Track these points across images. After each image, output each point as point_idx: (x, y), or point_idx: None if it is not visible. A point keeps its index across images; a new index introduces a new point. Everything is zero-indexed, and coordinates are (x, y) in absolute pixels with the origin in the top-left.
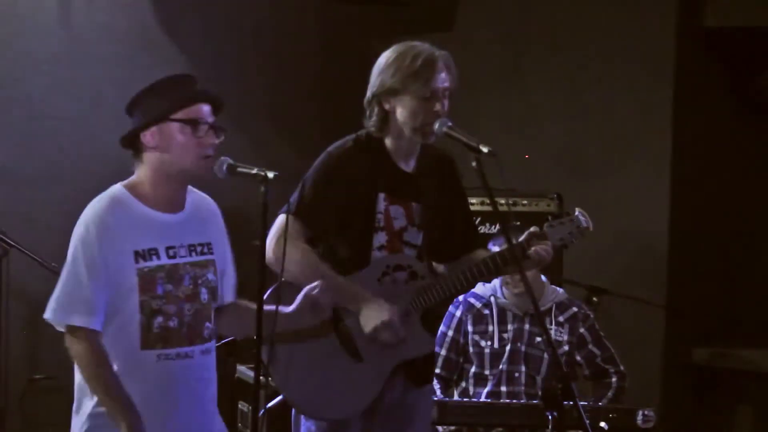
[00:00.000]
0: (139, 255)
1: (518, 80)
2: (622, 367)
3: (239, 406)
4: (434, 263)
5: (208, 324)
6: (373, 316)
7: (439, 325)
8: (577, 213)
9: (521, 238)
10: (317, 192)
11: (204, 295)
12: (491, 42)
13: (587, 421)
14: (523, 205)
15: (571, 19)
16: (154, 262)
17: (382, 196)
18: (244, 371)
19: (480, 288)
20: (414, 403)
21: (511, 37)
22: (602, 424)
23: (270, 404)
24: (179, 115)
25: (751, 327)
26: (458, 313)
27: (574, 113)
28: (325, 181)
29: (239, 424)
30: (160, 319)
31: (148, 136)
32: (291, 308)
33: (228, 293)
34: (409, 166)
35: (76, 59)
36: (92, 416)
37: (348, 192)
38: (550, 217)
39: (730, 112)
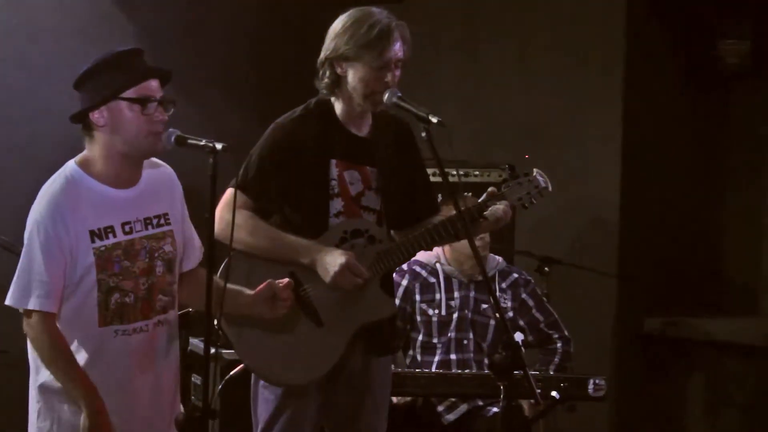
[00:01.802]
0: (95, 234)
1: (470, 50)
2: (566, 332)
3: (192, 378)
4: (392, 231)
5: (161, 296)
6: (330, 263)
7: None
8: (535, 173)
9: (480, 199)
10: (262, 164)
11: (159, 267)
12: (443, 12)
13: (537, 390)
14: (475, 175)
15: None
16: (111, 240)
17: (333, 162)
18: (197, 344)
19: (423, 255)
20: (375, 372)
21: (463, 6)
22: (553, 393)
23: (229, 374)
24: (128, 93)
25: (702, 296)
26: (405, 282)
27: (526, 83)
28: (270, 152)
29: (192, 397)
30: (116, 295)
31: (96, 115)
32: (250, 293)
33: (191, 260)
34: (361, 130)
35: (26, 31)
36: (47, 389)
37: (297, 161)
38: (508, 178)
39: (681, 82)
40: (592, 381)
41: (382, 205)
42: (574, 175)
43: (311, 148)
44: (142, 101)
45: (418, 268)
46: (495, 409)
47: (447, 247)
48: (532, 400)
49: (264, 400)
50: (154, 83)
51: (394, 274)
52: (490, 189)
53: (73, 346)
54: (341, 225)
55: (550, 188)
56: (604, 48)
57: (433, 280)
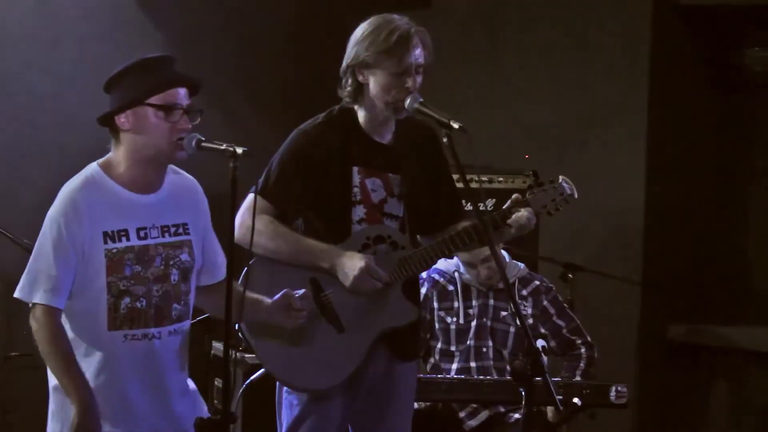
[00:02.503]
0: (108, 236)
1: (495, 57)
2: (588, 337)
3: (215, 382)
4: (419, 237)
5: (176, 305)
6: (349, 267)
7: (420, 296)
8: (561, 180)
9: (505, 206)
10: (283, 171)
11: (174, 276)
12: (469, 18)
13: (558, 397)
14: (499, 182)
15: None
16: (123, 244)
17: (356, 169)
18: (220, 348)
19: (443, 264)
20: (399, 378)
21: (489, 13)
22: (575, 399)
23: (251, 378)
24: (154, 99)
25: (726, 304)
26: (423, 290)
27: (551, 90)
28: (292, 158)
29: (215, 401)
30: (127, 300)
31: (122, 119)
32: (269, 301)
33: (212, 275)
34: (384, 138)
35: (52, 37)
36: (59, 390)
37: (319, 168)
38: (534, 184)
39: (705, 89)
40: (614, 388)
41: (404, 211)
42: (599, 182)
43: (333, 155)
44: (167, 108)
45: (437, 276)
46: (517, 416)
47: (463, 262)
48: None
49: (288, 404)
50: (181, 91)
51: None
52: (514, 196)
53: (83, 348)
54: (364, 231)
55: (576, 195)
56: (630, 54)
57: (451, 288)
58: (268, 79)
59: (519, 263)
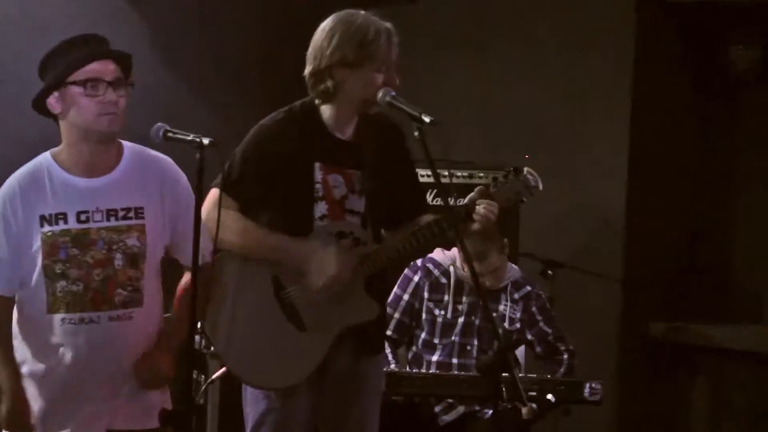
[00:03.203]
0: (44, 219)
1: (480, 51)
2: (571, 346)
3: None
4: (382, 231)
5: (120, 290)
6: (318, 273)
7: (384, 291)
8: (525, 171)
9: (467, 198)
10: (245, 166)
11: (118, 260)
12: (455, 13)
13: (531, 393)
14: (480, 177)
15: None
16: (60, 227)
17: (318, 165)
18: (198, 340)
19: (440, 255)
20: (365, 372)
21: (475, 8)
22: (549, 396)
23: (215, 376)
24: (76, 76)
25: (707, 302)
26: (416, 278)
27: (535, 87)
28: (252, 154)
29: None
30: (63, 283)
31: (52, 102)
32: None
33: (183, 256)
34: (345, 134)
35: (36, 26)
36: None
37: (280, 164)
38: (498, 177)
39: (689, 86)
40: (588, 385)
41: (366, 207)
42: (581, 178)
43: (295, 151)
44: (88, 82)
45: (431, 266)
46: (491, 412)
47: (459, 253)
48: (532, 404)
49: (254, 399)
50: (108, 65)
51: (406, 269)
52: (478, 188)
53: (24, 331)
54: (326, 227)
55: (540, 187)
56: (614, 51)
57: (444, 281)
58: (255, 70)
59: (514, 266)
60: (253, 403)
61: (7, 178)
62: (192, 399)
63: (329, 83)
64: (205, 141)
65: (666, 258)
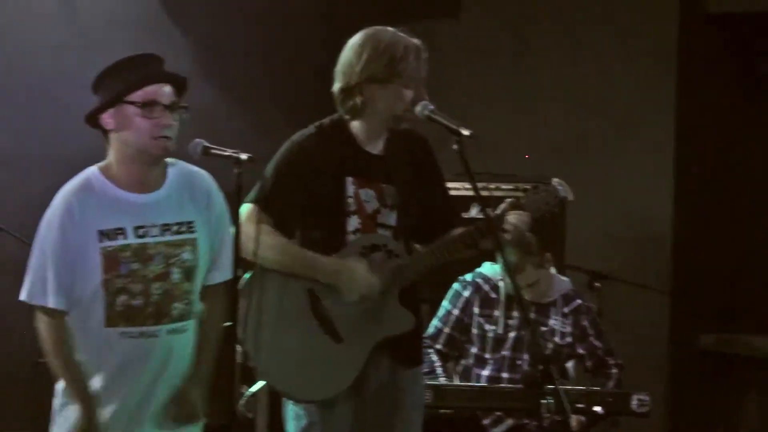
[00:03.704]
0: (103, 234)
1: (522, 66)
2: (620, 360)
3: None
4: (415, 244)
5: (176, 304)
6: (352, 289)
7: (418, 302)
8: (554, 182)
9: (498, 210)
10: (278, 181)
11: (175, 274)
12: (496, 27)
13: (579, 405)
14: (524, 190)
15: (575, 3)
16: (119, 242)
17: (350, 180)
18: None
19: (489, 269)
20: (405, 385)
21: (517, 22)
22: (597, 408)
23: (252, 389)
24: (134, 96)
25: (758, 313)
26: (466, 293)
27: (578, 99)
28: (285, 169)
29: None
30: (124, 297)
31: (106, 118)
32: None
33: (219, 273)
34: (376, 148)
35: (80, 46)
36: (64, 392)
37: (313, 179)
38: (528, 189)
39: (732, 96)
40: (635, 396)
41: (397, 221)
42: (627, 189)
43: (327, 166)
44: (147, 105)
45: (481, 281)
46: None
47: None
48: (581, 416)
49: (294, 415)
50: (164, 89)
51: (455, 284)
52: (508, 200)
53: (81, 345)
54: (359, 240)
55: (570, 197)
56: (657, 59)
57: (494, 296)
58: (297, 85)
59: (564, 279)
60: (293, 419)
61: (48, 198)
62: (234, 413)
63: (358, 99)
64: (243, 156)
65: (715, 269)
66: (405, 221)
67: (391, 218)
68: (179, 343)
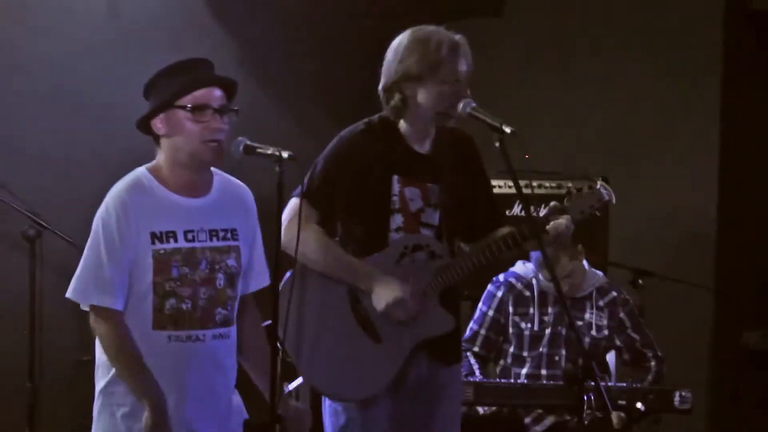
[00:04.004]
0: (155, 237)
1: (566, 64)
2: (659, 353)
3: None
4: (461, 244)
5: (220, 309)
6: (383, 295)
7: (458, 304)
8: (599, 185)
9: (542, 213)
10: (326, 175)
11: (220, 280)
12: (540, 27)
13: (621, 402)
14: (568, 187)
15: (618, 4)
16: (171, 245)
17: (396, 178)
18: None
19: (521, 268)
20: (443, 383)
21: (559, 21)
22: (638, 404)
23: (291, 387)
24: (184, 101)
25: None
26: (500, 294)
27: (622, 96)
28: (334, 164)
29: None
30: (173, 301)
31: (157, 123)
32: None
33: (252, 283)
34: (423, 147)
35: (125, 46)
36: (104, 393)
37: (360, 175)
38: (572, 190)
39: None
40: (678, 393)
41: (441, 220)
42: (671, 187)
43: (374, 163)
44: (197, 109)
45: (513, 280)
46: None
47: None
48: (621, 413)
49: (333, 411)
50: (215, 92)
51: (489, 285)
52: (552, 203)
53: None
54: (402, 240)
55: (614, 200)
56: (702, 55)
57: (527, 293)
58: (342, 85)
59: (598, 272)
60: (332, 416)
61: (92, 198)
62: (276, 409)
63: (398, 98)
64: (285, 154)
65: (758, 265)
66: (448, 221)
67: (434, 218)
68: (222, 349)
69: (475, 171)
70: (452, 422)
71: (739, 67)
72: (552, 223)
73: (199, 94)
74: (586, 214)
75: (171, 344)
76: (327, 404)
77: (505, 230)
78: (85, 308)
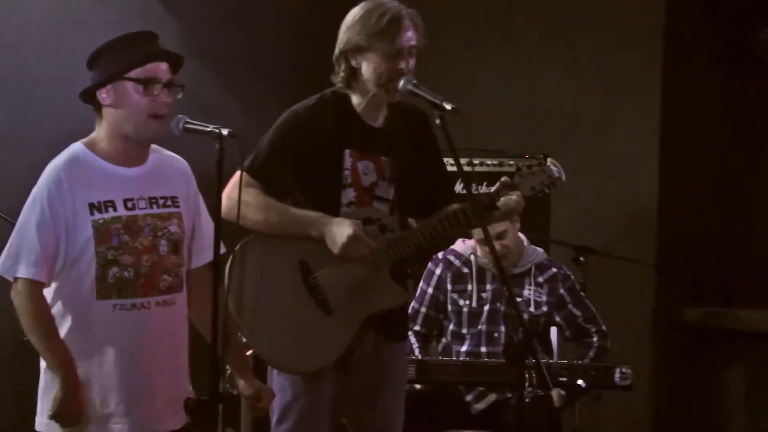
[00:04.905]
0: (94, 207)
1: (509, 39)
2: (603, 327)
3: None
4: (409, 219)
5: (165, 276)
6: (338, 233)
7: (406, 280)
8: (549, 162)
9: (492, 189)
10: (272, 150)
11: (163, 247)
12: (483, 3)
13: (561, 379)
14: (510, 165)
15: None
16: (110, 214)
17: (347, 152)
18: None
19: (460, 245)
20: (388, 359)
21: None
22: (579, 381)
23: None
24: (133, 73)
25: (742, 286)
26: (438, 271)
27: (564, 74)
28: (280, 139)
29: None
30: (115, 269)
31: (103, 94)
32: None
33: (201, 256)
34: (377, 121)
35: (69, 26)
36: (49, 371)
37: (309, 149)
38: (522, 167)
39: (719, 70)
40: (618, 370)
41: (394, 194)
42: (612, 165)
43: (325, 138)
44: (147, 82)
45: (452, 258)
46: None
47: (477, 241)
48: (561, 390)
49: (280, 387)
50: (162, 66)
51: (429, 263)
52: (502, 179)
53: (72, 318)
54: (352, 214)
55: (563, 178)
56: (642, 36)
57: (466, 270)
58: (284, 64)
59: (538, 248)
60: (279, 391)
61: (38, 177)
62: (217, 388)
63: (344, 68)
64: (224, 132)
65: (699, 243)
66: (402, 195)
67: (389, 191)
68: (169, 316)
69: (428, 147)
70: (396, 398)
71: (680, 43)
72: (502, 199)
73: (150, 67)
74: (537, 191)
75: (116, 313)
76: (275, 380)
77: (456, 206)
78: (10, 279)
